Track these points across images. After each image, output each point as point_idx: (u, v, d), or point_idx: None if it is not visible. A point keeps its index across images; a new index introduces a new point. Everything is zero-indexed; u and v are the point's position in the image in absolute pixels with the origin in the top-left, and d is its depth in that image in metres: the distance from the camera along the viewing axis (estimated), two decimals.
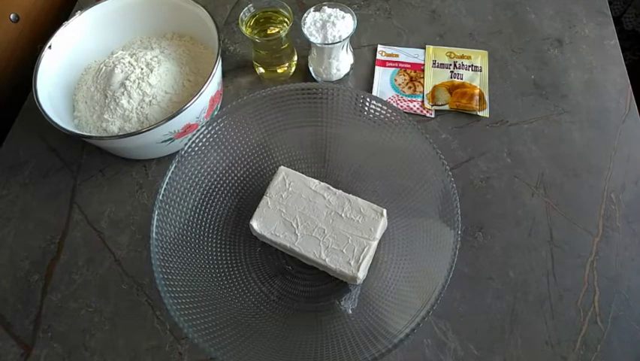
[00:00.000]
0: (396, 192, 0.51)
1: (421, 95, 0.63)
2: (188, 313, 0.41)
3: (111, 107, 0.55)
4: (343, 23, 0.57)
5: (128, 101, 0.55)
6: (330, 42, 0.57)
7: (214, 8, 0.73)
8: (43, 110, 0.52)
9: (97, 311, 0.51)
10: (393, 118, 0.49)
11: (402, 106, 0.62)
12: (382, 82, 0.65)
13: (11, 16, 0.67)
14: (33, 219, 0.57)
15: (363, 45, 0.68)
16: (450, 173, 0.44)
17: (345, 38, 0.57)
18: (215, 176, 0.51)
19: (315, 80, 0.65)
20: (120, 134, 0.54)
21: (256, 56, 0.64)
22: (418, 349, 0.48)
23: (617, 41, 0.67)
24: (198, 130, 0.48)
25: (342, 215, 0.48)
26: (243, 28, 0.58)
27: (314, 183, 0.50)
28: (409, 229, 0.49)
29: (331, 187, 0.49)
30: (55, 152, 0.62)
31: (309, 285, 0.50)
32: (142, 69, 0.56)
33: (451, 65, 0.65)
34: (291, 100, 0.51)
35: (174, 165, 0.46)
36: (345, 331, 0.45)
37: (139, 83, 0.55)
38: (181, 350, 0.49)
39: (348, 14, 0.58)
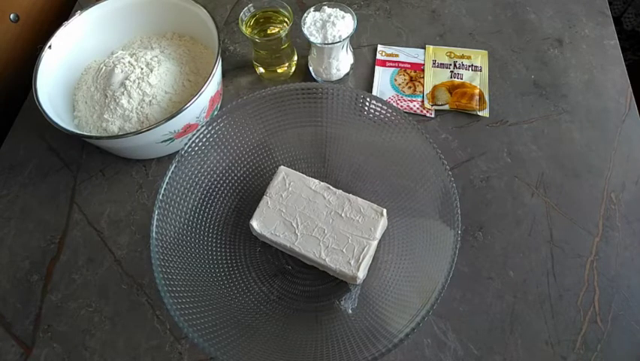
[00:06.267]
0: (396, 192, 0.51)
1: (421, 95, 0.63)
2: (188, 313, 0.41)
3: (111, 107, 0.55)
4: (343, 23, 0.57)
5: (128, 101, 0.55)
6: (330, 42, 0.57)
7: (214, 8, 0.73)
8: (43, 110, 0.52)
9: (97, 311, 0.51)
10: (393, 118, 0.49)
11: (402, 106, 0.62)
12: (382, 82, 0.65)
13: (11, 16, 0.67)
14: (33, 219, 0.57)
15: (363, 45, 0.68)
16: (450, 173, 0.44)
17: (345, 38, 0.57)
18: (215, 176, 0.51)
19: (315, 80, 0.65)
20: (120, 134, 0.54)
21: (256, 56, 0.64)
22: (418, 349, 0.48)
23: (617, 41, 0.66)
24: (198, 130, 0.48)
25: (342, 215, 0.48)
26: (243, 28, 0.58)
27: (314, 182, 0.50)
28: (409, 229, 0.49)
29: (331, 187, 0.49)
30: (55, 152, 0.62)
31: (309, 285, 0.50)
32: (142, 69, 0.56)
33: (451, 64, 0.65)
34: (291, 100, 0.51)
35: (174, 165, 0.46)
36: (345, 331, 0.45)
37: (139, 83, 0.55)
38: (181, 350, 0.49)
39: (348, 14, 0.58)
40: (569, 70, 0.65)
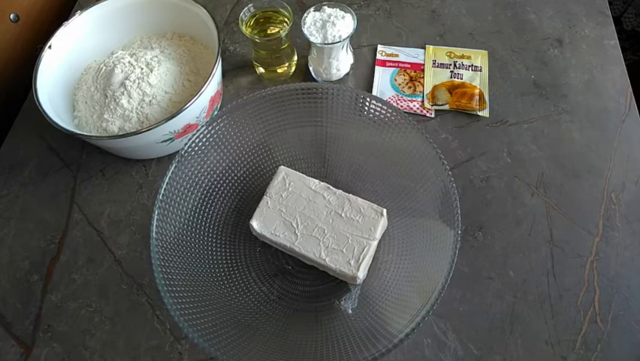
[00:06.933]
0: (396, 192, 0.51)
1: (421, 95, 0.63)
2: (188, 313, 0.41)
3: (111, 107, 0.55)
4: (343, 23, 0.57)
5: (128, 101, 0.55)
6: (330, 42, 0.57)
7: (214, 8, 0.73)
8: (43, 110, 0.52)
9: (97, 311, 0.51)
10: (393, 118, 0.49)
11: (402, 106, 0.62)
12: (382, 82, 0.65)
13: (11, 16, 0.67)
14: (33, 220, 0.57)
15: (363, 45, 0.68)
16: (450, 173, 0.44)
17: (345, 38, 0.57)
18: (215, 176, 0.51)
19: (315, 80, 0.65)
20: (120, 134, 0.54)
21: (256, 56, 0.64)
22: (418, 349, 0.48)
23: (617, 41, 0.66)
24: (198, 130, 0.48)
25: (342, 215, 0.48)
26: (243, 28, 0.58)
27: (314, 182, 0.50)
28: (409, 229, 0.49)
29: (331, 187, 0.49)
30: (55, 152, 0.62)
31: (309, 285, 0.50)
32: (142, 69, 0.56)
33: (451, 64, 0.65)
34: (291, 100, 0.51)
35: (174, 165, 0.46)
36: (345, 331, 0.45)
37: (139, 83, 0.55)
38: (181, 350, 0.49)
39: (348, 14, 0.58)
40: (569, 70, 0.64)
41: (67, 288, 0.53)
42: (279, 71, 0.65)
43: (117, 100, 0.55)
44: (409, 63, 0.66)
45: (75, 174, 0.60)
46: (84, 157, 0.61)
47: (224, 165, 0.51)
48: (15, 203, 0.58)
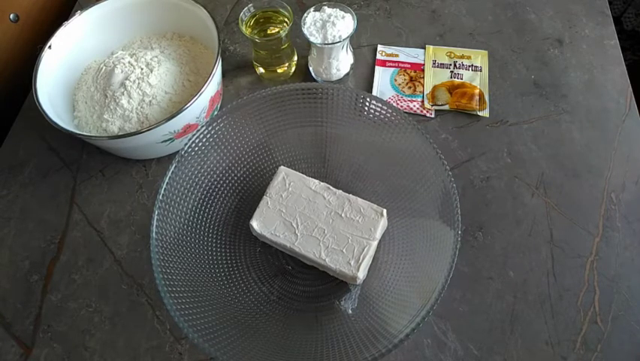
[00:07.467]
0: (396, 192, 0.51)
1: (421, 95, 0.63)
2: (188, 314, 0.41)
3: (111, 107, 0.55)
4: (343, 23, 0.57)
5: (128, 101, 0.55)
6: (330, 42, 0.57)
7: (214, 8, 0.73)
8: (43, 110, 0.52)
9: (97, 311, 0.51)
10: (393, 118, 0.49)
11: (402, 106, 0.62)
12: (382, 82, 0.65)
13: (11, 16, 0.67)
14: (33, 219, 0.57)
15: (363, 45, 0.68)
16: (450, 173, 0.44)
17: (345, 38, 0.57)
18: (215, 176, 0.51)
19: (315, 80, 0.65)
20: (120, 134, 0.54)
21: (256, 56, 0.64)
22: (418, 349, 0.48)
23: (617, 41, 0.66)
24: (198, 130, 0.48)
25: (342, 215, 0.48)
26: (243, 28, 0.58)
27: (314, 183, 0.50)
28: (409, 229, 0.49)
29: (331, 187, 0.49)
30: (55, 152, 0.62)
31: (309, 285, 0.50)
32: (142, 69, 0.56)
33: (451, 64, 0.65)
34: (291, 100, 0.51)
35: (174, 165, 0.46)
36: (345, 331, 0.45)
37: (139, 83, 0.55)
38: (181, 350, 0.49)
39: (348, 14, 0.58)
40: (569, 70, 0.64)
41: (67, 288, 0.53)
42: (279, 71, 0.65)
43: (117, 100, 0.55)
44: (409, 63, 0.66)
45: (75, 174, 0.60)
46: (84, 157, 0.61)
47: (224, 165, 0.51)
48: (15, 203, 0.58)
